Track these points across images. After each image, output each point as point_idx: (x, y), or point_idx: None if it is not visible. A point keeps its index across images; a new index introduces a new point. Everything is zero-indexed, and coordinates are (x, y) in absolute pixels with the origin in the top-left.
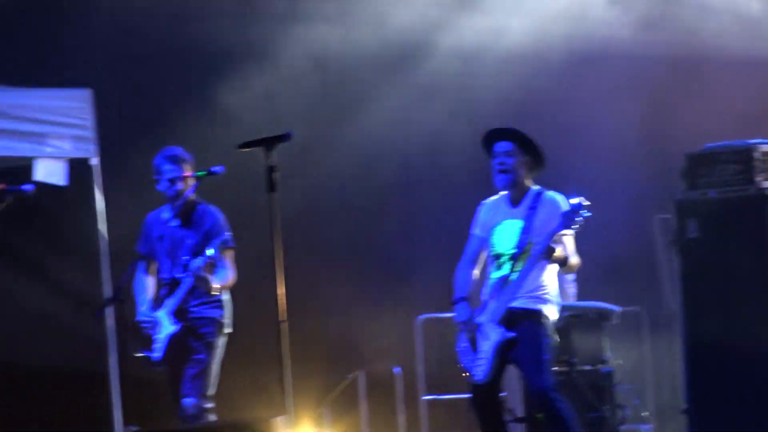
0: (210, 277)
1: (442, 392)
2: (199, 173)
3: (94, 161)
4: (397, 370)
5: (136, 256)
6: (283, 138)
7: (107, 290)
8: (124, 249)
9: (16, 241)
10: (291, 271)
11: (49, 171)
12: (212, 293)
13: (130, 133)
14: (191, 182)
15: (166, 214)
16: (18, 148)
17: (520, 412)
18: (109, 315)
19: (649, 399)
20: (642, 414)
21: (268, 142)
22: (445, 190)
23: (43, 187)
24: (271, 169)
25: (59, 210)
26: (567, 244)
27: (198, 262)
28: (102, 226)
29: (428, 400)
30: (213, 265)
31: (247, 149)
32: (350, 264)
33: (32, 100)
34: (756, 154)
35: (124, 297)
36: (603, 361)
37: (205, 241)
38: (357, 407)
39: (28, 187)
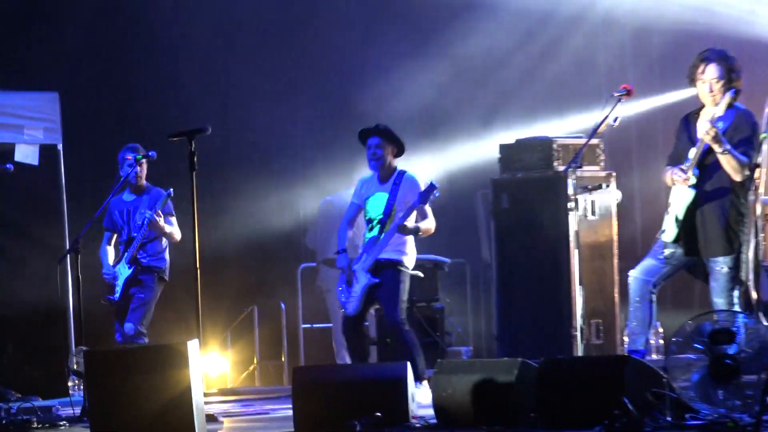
0: (161, 221)
1: (315, 322)
2: (138, 156)
3: (60, 147)
4: (282, 305)
5: (102, 229)
6: (201, 130)
7: (67, 243)
8: (81, 214)
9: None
10: (207, 231)
11: (26, 154)
12: (161, 242)
13: (90, 125)
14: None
15: (126, 195)
16: (2, 136)
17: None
18: (68, 262)
19: (469, 328)
20: (464, 339)
21: (191, 134)
22: (328, 163)
23: (21, 165)
24: (192, 154)
25: (33, 183)
26: (427, 212)
27: (149, 214)
28: (64, 196)
29: (305, 328)
30: (162, 218)
31: (176, 138)
32: (251, 225)
33: (13, 99)
34: (554, 145)
35: (79, 249)
36: (436, 300)
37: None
38: (252, 333)
39: (8, 165)
